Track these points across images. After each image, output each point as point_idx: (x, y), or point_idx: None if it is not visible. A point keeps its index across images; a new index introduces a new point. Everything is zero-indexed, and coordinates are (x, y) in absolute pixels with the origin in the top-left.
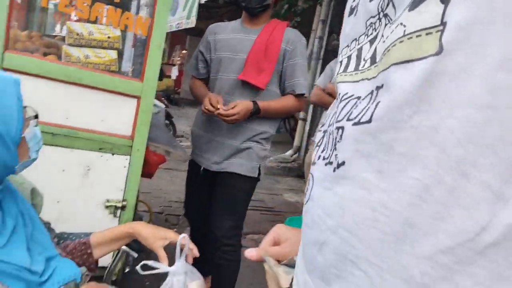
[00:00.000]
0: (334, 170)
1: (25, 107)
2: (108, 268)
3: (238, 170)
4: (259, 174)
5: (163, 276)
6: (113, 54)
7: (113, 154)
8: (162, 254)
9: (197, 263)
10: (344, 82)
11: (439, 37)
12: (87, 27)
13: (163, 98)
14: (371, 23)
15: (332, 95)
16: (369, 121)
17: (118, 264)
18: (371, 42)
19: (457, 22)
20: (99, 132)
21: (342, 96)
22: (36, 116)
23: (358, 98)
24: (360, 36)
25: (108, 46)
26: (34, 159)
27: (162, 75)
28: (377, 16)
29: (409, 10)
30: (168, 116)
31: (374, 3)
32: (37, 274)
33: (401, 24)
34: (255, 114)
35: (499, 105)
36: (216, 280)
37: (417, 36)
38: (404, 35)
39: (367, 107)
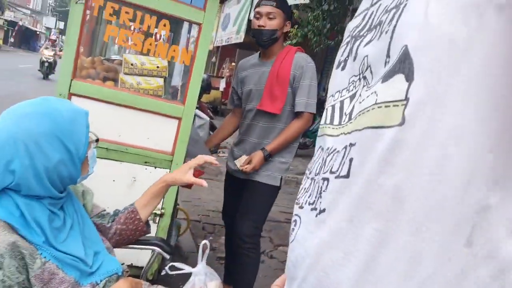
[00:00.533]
0: (316, 216)
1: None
2: (144, 268)
3: (261, 179)
4: (280, 183)
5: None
6: (161, 81)
7: (155, 168)
8: (196, 181)
9: (226, 269)
10: (329, 136)
11: (403, 110)
12: (140, 58)
13: (209, 110)
14: (353, 80)
15: None
16: (347, 176)
17: (154, 265)
18: (351, 98)
19: (417, 99)
20: (145, 148)
21: (327, 149)
22: (97, 140)
23: (337, 152)
24: (343, 89)
25: (156, 74)
26: (91, 173)
27: (210, 88)
28: (358, 76)
29: (382, 82)
30: (213, 128)
31: (357, 64)
32: (88, 265)
33: (375, 92)
34: (269, 157)
35: (446, 174)
36: (237, 279)
37: (386, 106)
38: (376, 103)
39: (343, 162)
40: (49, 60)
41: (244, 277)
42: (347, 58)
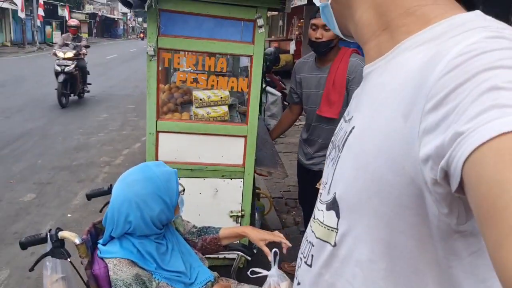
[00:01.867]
0: (309, 268)
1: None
2: (232, 268)
3: None
4: None
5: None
6: (225, 108)
7: (231, 179)
8: (265, 249)
9: None
10: (312, 231)
11: (335, 236)
12: (206, 93)
13: (280, 82)
14: (324, 183)
15: None
16: (310, 265)
17: (239, 264)
18: (320, 201)
19: (341, 231)
20: (220, 164)
21: (311, 242)
22: (183, 190)
23: (307, 240)
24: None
25: (221, 103)
26: (182, 213)
27: (279, 61)
28: (324, 185)
29: (327, 210)
30: (285, 106)
31: (325, 172)
32: (188, 277)
33: (323, 213)
34: None
35: (367, 280)
36: None
37: (327, 229)
38: (323, 223)
39: (310, 255)
40: (67, 69)
41: None
42: (328, 157)
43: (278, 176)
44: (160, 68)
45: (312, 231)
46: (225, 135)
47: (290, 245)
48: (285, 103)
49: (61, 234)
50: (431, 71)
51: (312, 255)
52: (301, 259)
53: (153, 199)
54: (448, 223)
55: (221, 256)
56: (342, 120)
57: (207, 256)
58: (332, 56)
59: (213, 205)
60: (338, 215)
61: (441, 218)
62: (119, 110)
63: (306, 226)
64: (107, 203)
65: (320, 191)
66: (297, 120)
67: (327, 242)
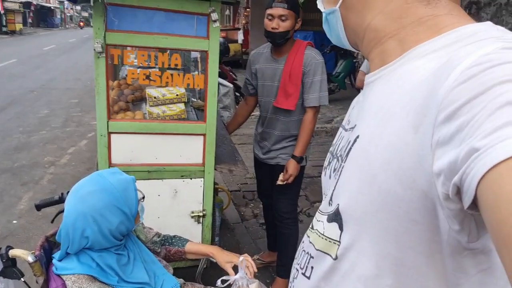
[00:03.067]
0: (307, 280)
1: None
2: (197, 271)
3: (286, 162)
4: (306, 161)
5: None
6: (182, 106)
7: (191, 179)
8: (230, 271)
9: (269, 237)
10: (311, 243)
11: (337, 249)
12: (160, 91)
13: (231, 73)
14: (325, 195)
15: None
16: (308, 278)
17: (204, 265)
18: (321, 213)
19: (344, 244)
20: (179, 164)
21: (302, 244)
22: (143, 197)
23: (304, 251)
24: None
25: (177, 101)
26: (142, 221)
27: (228, 52)
28: (326, 195)
29: (328, 221)
30: (238, 90)
31: (326, 182)
32: (152, 286)
33: (323, 224)
34: (301, 160)
35: None
36: (281, 247)
37: (328, 241)
38: (324, 234)
39: (308, 267)
40: None
41: (287, 246)
42: (325, 168)
43: (239, 173)
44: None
45: (311, 242)
46: (183, 134)
47: (256, 270)
48: (237, 94)
49: (11, 252)
50: (443, 80)
51: (312, 267)
52: (297, 270)
53: (111, 211)
54: (458, 239)
55: None
56: (341, 129)
57: None
58: (288, 48)
59: (173, 206)
60: (341, 228)
61: (451, 234)
62: (61, 105)
63: (265, 219)
64: (60, 212)
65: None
66: (253, 111)
67: (328, 254)
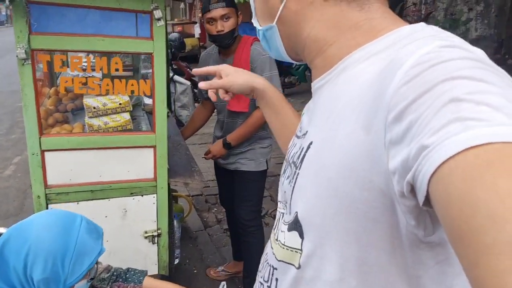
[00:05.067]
0: None
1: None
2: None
3: (247, 168)
4: (267, 165)
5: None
6: (127, 116)
7: (142, 196)
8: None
9: (234, 246)
10: (270, 241)
11: (299, 257)
12: (101, 100)
13: (188, 69)
14: (283, 201)
15: None
16: None
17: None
18: (281, 217)
19: (306, 252)
20: (127, 181)
21: (265, 256)
22: (92, 278)
23: (268, 263)
24: (280, 203)
25: (121, 110)
26: None
27: (184, 47)
28: (284, 203)
29: (288, 230)
30: (196, 87)
31: (281, 191)
32: None
33: (284, 234)
34: (229, 147)
35: None
36: (246, 256)
37: (290, 250)
38: (284, 244)
39: (272, 279)
40: None
41: (253, 255)
42: (282, 175)
43: (195, 186)
44: (39, 71)
45: (273, 254)
46: (130, 147)
47: None
48: (195, 90)
49: None
50: (389, 81)
51: (277, 279)
52: (261, 283)
53: (47, 258)
54: (415, 233)
55: None
56: (293, 136)
57: None
58: (235, 46)
59: (124, 227)
60: (301, 235)
61: (409, 229)
62: (6, 110)
63: (229, 226)
64: None
65: (280, 210)
66: (211, 115)
67: (291, 264)
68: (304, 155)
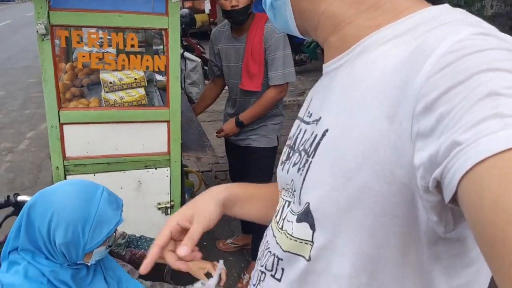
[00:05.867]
0: (277, 282)
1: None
2: (166, 270)
3: (258, 144)
4: (278, 141)
5: None
6: (142, 91)
7: (156, 168)
8: (201, 277)
9: (242, 220)
10: (271, 229)
11: (310, 249)
12: (117, 75)
13: (198, 46)
14: (289, 188)
15: None
16: (279, 280)
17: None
18: (288, 204)
19: (318, 244)
20: (142, 154)
21: (266, 244)
22: (110, 246)
23: (270, 252)
24: (284, 189)
25: (136, 85)
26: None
27: (195, 23)
28: (291, 190)
29: (297, 221)
30: (206, 64)
31: (287, 179)
32: None
33: (292, 224)
34: (242, 126)
35: None
36: (255, 229)
37: (299, 242)
38: (292, 235)
39: (277, 269)
40: None
41: (262, 227)
42: (284, 162)
43: (207, 160)
44: (57, 47)
45: (277, 243)
46: (145, 122)
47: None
48: (206, 67)
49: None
50: (418, 68)
51: (283, 269)
52: (263, 272)
53: (68, 225)
54: (435, 229)
55: None
56: (299, 121)
57: None
58: (248, 24)
59: (138, 199)
60: (313, 227)
61: (429, 225)
62: (19, 86)
63: None
64: (8, 216)
65: (285, 198)
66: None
67: (300, 255)
68: (319, 142)
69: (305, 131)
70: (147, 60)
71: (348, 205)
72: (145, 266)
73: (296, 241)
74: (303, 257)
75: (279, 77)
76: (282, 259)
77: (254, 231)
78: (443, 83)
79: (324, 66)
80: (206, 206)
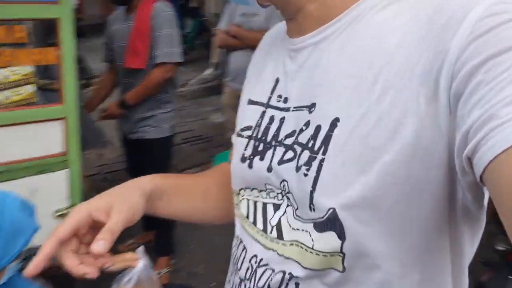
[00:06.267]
0: None
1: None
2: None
3: (151, 136)
4: (172, 131)
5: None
6: (31, 88)
7: (53, 172)
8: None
9: (144, 218)
10: (254, 239)
11: (341, 260)
12: (2, 72)
13: None
14: (271, 189)
15: (237, 36)
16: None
17: None
18: (275, 208)
19: (351, 254)
20: (35, 158)
21: (255, 258)
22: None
23: (272, 270)
24: (255, 189)
25: (24, 83)
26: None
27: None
28: (281, 192)
29: (317, 231)
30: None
31: (275, 177)
32: None
33: (310, 235)
34: (126, 106)
35: None
36: (158, 225)
37: (324, 256)
38: (313, 249)
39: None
40: None
41: (163, 222)
42: (252, 157)
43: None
44: None
45: (288, 258)
46: (36, 122)
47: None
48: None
49: None
50: (452, 33)
51: (297, 284)
52: None
53: None
54: (468, 207)
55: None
56: (261, 107)
57: None
58: (137, 2)
59: (37, 207)
60: (342, 237)
61: (463, 201)
62: None
63: None
64: None
65: (272, 201)
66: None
67: (332, 269)
68: (329, 135)
69: (284, 119)
70: (38, 54)
71: (390, 203)
72: (35, 266)
73: (319, 254)
74: (335, 269)
75: (164, 55)
76: (298, 277)
77: (157, 226)
78: (484, 50)
79: (301, 38)
80: (129, 197)
